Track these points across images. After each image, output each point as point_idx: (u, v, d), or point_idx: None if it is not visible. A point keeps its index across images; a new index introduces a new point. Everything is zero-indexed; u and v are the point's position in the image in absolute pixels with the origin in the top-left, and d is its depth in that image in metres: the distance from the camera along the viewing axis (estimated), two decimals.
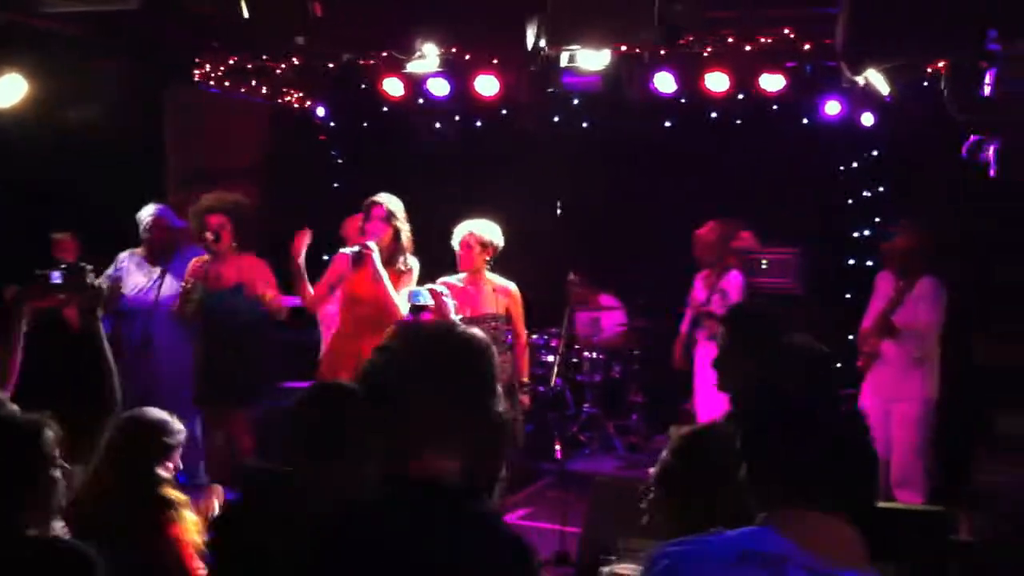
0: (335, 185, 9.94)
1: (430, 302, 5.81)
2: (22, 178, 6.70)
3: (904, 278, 6.52)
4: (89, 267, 3.18)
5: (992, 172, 5.64)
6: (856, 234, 8.69)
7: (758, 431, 2.15)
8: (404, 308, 5.94)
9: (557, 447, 7.81)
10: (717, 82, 7.35)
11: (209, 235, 6.24)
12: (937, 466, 6.54)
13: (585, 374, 8.76)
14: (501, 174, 8.95)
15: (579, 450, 8.52)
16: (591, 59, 7.09)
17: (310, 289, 6.08)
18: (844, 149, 8.71)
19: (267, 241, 6.63)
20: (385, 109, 8.71)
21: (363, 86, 8.26)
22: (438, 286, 5.91)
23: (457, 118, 9.22)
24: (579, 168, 9.00)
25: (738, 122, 8.65)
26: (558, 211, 9.80)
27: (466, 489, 2.14)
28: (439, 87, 7.88)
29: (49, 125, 6.99)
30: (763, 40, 7.04)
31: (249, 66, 8.08)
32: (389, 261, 6.08)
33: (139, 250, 6.71)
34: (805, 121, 8.20)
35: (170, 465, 3.45)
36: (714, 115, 8.51)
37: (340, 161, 10.11)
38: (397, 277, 6.07)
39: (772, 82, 7.27)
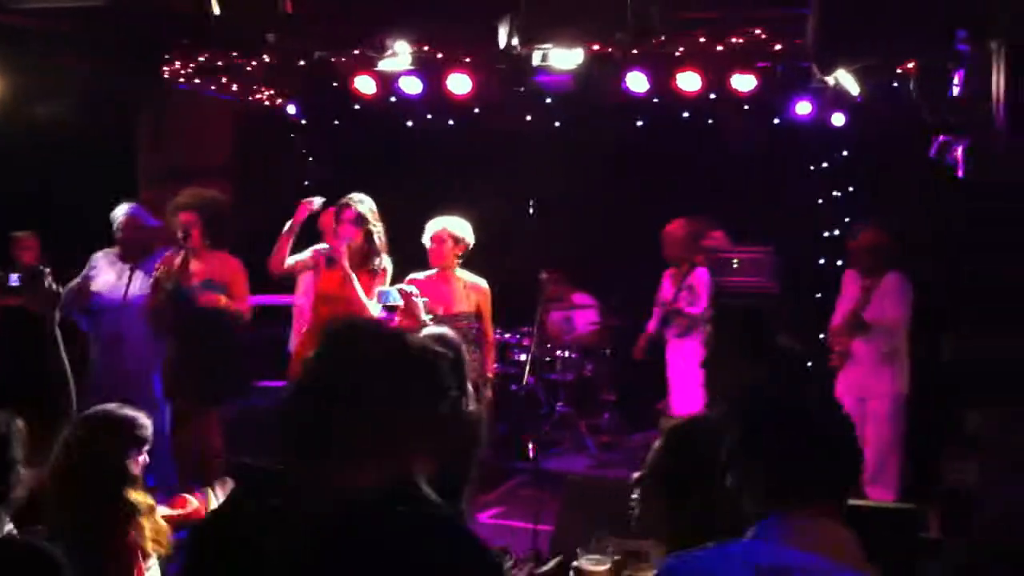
0: (306, 183, 9.89)
1: (400, 302, 5.80)
2: None
3: (869, 275, 6.58)
4: (47, 270, 3.14)
5: (960, 172, 5.69)
6: (826, 234, 8.75)
7: (753, 431, 2.15)
8: (375, 309, 5.93)
9: (530, 446, 7.81)
10: (689, 82, 7.37)
11: (179, 233, 6.21)
12: (907, 464, 6.61)
13: (558, 373, 8.77)
14: (473, 173, 8.95)
15: (552, 449, 8.52)
16: (564, 58, 7.08)
17: (286, 254, 6.05)
18: (815, 149, 8.77)
19: (239, 239, 6.59)
20: (357, 107, 8.67)
21: (335, 84, 8.23)
22: (408, 286, 5.90)
23: (429, 116, 9.20)
24: (551, 167, 9.00)
25: (710, 122, 8.68)
26: (530, 210, 9.81)
27: (426, 494, 2.14)
28: (411, 85, 7.86)
29: (18, 122, 6.91)
30: (735, 40, 7.07)
31: (220, 63, 8.02)
32: (363, 263, 6.07)
33: (113, 249, 6.66)
34: (776, 121, 8.25)
35: (140, 459, 3.42)
36: (686, 115, 8.54)
37: (311, 159, 10.07)
38: (371, 278, 6.06)
39: (744, 82, 7.31)
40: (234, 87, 8.35)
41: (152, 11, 6.96)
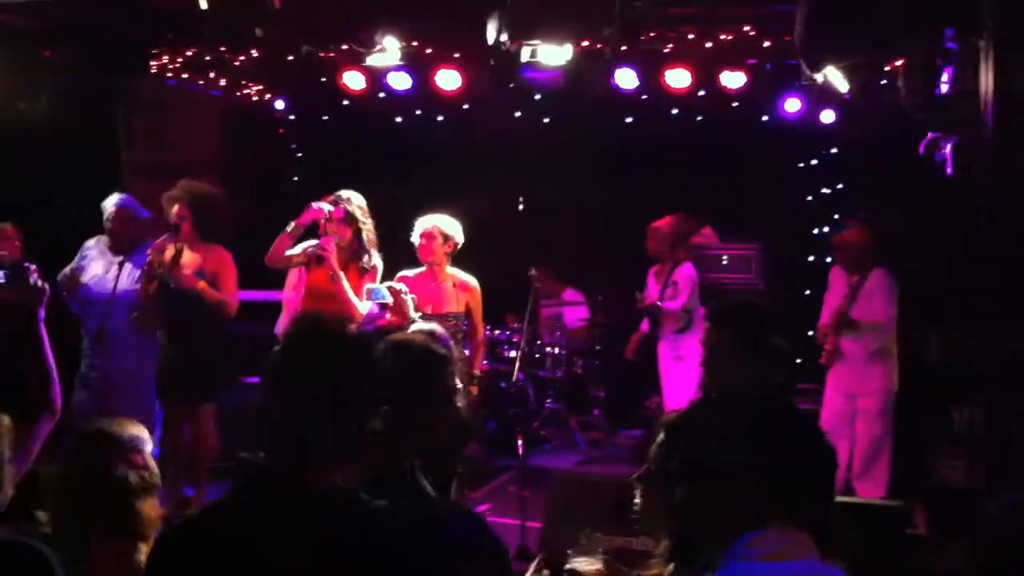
0: (294, 178, 9.87)
1: (389, 300, 5.79)
2: None
3: (855, 273, 6.60)
4: (32, 266, 3.12)
5: (948, 169, 5.70)
6: (815, 231, 8.76)
7: (764, 441, 2.12)
8: (364, 307, 5.93)
9: (519, 443, 7.80)
10: (678, 79, 7.37)
11: (170, 224, 6.21)
12: (894, 460, 6.63)
13: (547, 370, 8.76)
14: (462, 169, 8.94)
15: (541, 446, 8.52)
16: (552, 54, 7.08)
17: (283, 252, 6.01)
18: (804, 146, 8.78)
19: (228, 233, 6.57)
20: (345, 103, 8.65)
21: (323, 79, 8.20)
22: (397, 284, 5.89)
23: (418, 112, 9.18)
24: (540, 163, 8.99)
25: (699, 119, 8.68)
26: (520, 206, 9.80)
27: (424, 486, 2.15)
28: (400, 81, 7.84)
29: (2, 117, 6.87)
30: (724, 37, 7.08)
31: (207, 58, 7.99)
32: (352, 260, 6.06)
33: (105, 238, 6.64)
34: (765, 118, 8.25)
35: (141, 461, 3.40)
36: (675, 111, 8.53)
37: (300, 155, 10.04)
38: (361, 276, 6.05)
39: (733, 79, 7.31)
40: (222, 82, 8.33)
41: (139, 5, 6.93)
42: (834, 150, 8.72)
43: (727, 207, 8.49)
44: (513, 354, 7.98)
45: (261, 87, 8.73)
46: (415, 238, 6.25)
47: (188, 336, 6.22)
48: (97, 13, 6.99)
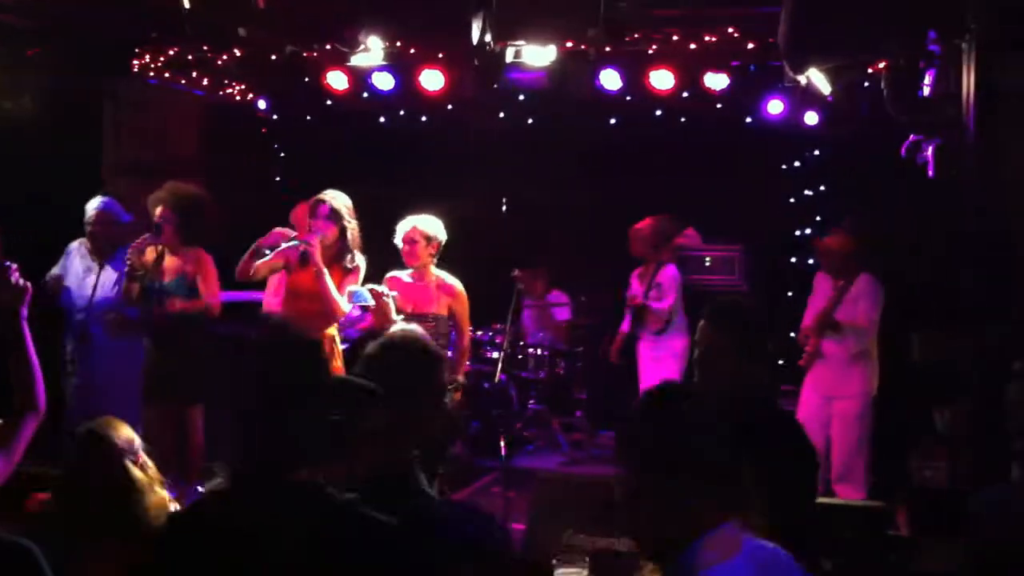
0: (277, 179, 9.84)
1: (371, 303, 5.77)
2: None
3: (840, 278, 6.62)
4: (13, 265, 3.09)
5: (930, 172, 5.73)
6: (798, 233, 8.79)
7: (756, 441, 2.13)
8: (346, 306, 5.90)
9: (502, 444, 7.79)
10: (662, 80, 7.37)
11: (153, 226, 6.17)
12: (875, 462, 6.64)
13: (530, 371, 8.75)
14: (446, 170, 8.92)
15: (524, 447, 8.51)
16: (537, 55, 7.08)
17: (251, 268, 5.99)
18: (786, 148, 8.80)
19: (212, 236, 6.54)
20: (329, 103, 8.61)
21: (306, 79, 8.16)
22: (379, 287, 5.87)
23: (402, 113, 9.16)
24: (524, 165, 8.98)
25: (683, 120, 8.70)
26: (503, 207, 9.79)
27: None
28: (384, 81, 7.81)
29: None
30: (708, 39, 7.08)
31: (190, 57, 7.95)
32: (336, 259, 6.03)
33: (87, 240, 6.61)
34: (749, 120, 8.26)
35: (140, 457, 3.40)
36: (659, 113, 8.54)
37: (283, 154, 10.01)
38: (343, 275, 6.02)
39: (716, 81, 7.32)
40: (204, 82, 8.28)
41: (123, 5, 6.89)
42: (817, 152, 8.75)
43: (710, 208, 8.51)
44: (496, 355, 7.97)
45: (244, 87, 8.69)
46: (398, 241, 6.23)
47: (173, 338, 6.18)
48: (80, 12, 6.96)
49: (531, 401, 8.78)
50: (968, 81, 4.98)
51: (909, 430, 6.64)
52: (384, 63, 7.56)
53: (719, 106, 7.95)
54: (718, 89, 7.37)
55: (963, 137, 5.11)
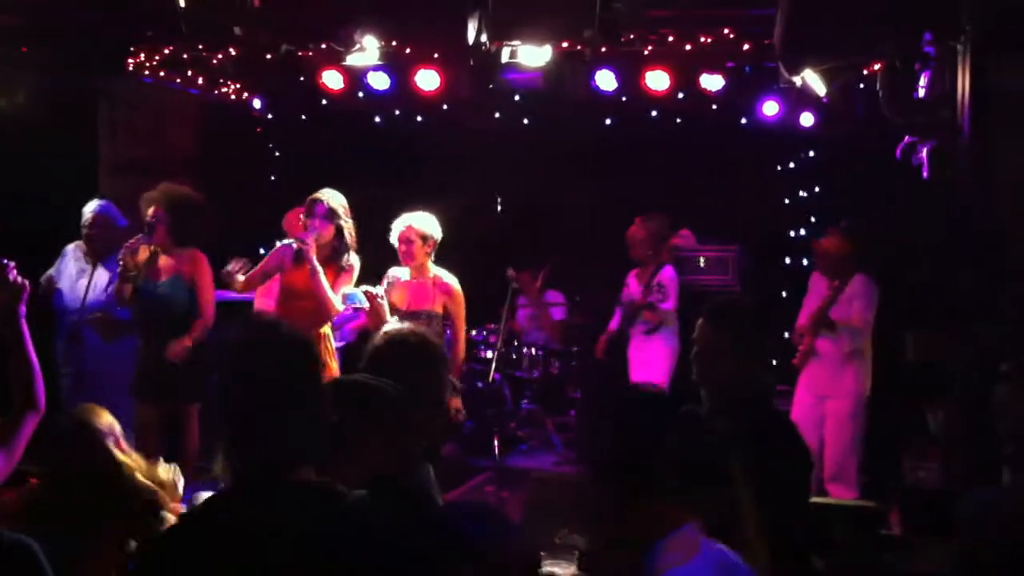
0: (272, 178, 9.82)
1: (365, 304, 5.77)
2: None
3: (836, 278, 6.63)
4: (11, 264, 3.09)
5: (925, 174, 5.74)
6: (792, 234, 8.80)
7: (757, 443, 2.13)
8: (339, 305, 5.90)
9: (495, 443, 7.79)
10: (658, 81, 7.38)
11: (145, 227, 6.16)
12: (868, 462, 6.66)
13: (524, 370, 8.75)
14: (442, 170, 8.91)
15: (517, 446, 8.51)
16: (533, 55, 7.08)
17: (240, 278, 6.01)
18: (782, 149, 8.81)
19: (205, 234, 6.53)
20: (324, 102, 8.61)
21: (302, 78, 8.15)
22: (373, 288, 5.87)
23: (397, 112, 9.15)
24: (520, 165, 8.98)
25: (678, 121, 8.70)
26: (498, 207, 9.79)
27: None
28: (379, 81, 7.80)
29: None
30: (703, 40, 7.08)
31: (185, 56, 7.93)
32: (331, 258, 6.04)
33: (81, 243, 6.60)
34: (744, 121, 8.27)
35: (122, 443, 3.41)
36: (654, 114, 8.55)
37: (277, 154, 9.99)
38: (338, 274, 6.02)
39: (712, 82, 7.32)
40: (199, 81, 8.27)
41: (119, 3, 6.88)
42: (812, 153, 8.76)
43: (705, 209, 8.52)
44: (489, 354, 7.97)
45: (239, 86, 8.68)
46: (393, 241, 6.23)
47: (164, 339, 6.16)
48: (75, 11, 6.95)
49: (525, 400, 8.78)
50: (963, 82, 4.99)
51: (902, 430, 6.65)
52: (380, 63, 7.55)
53: (715, 107, 7.96)
54: (714, 90, 7.37)
55: (958, 138, 5.12)
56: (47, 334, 6.21)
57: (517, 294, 8.34)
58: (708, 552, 2.02)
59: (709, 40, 7.07)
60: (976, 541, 2.87)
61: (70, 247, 6.56)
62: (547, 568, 3.19)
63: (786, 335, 6.98)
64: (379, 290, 5.85)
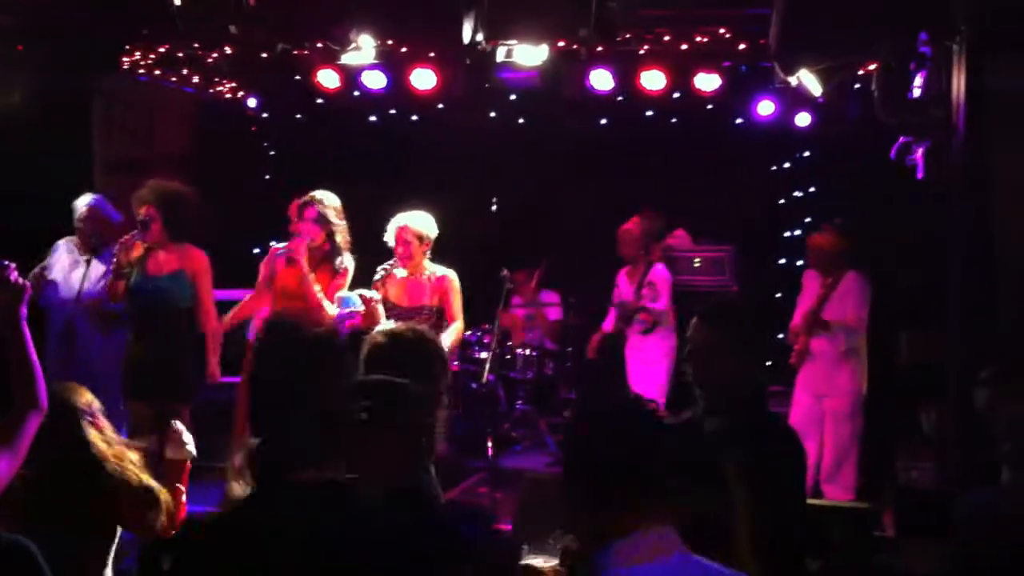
0: (267, 177, 9.81)
1: (361, 308, 5.77)
2: None
3: (828, 275, 6.63)
4: (12, 265, 3.09)
5: (920, 174, 5.74)
6: (787, 234, 8.80)
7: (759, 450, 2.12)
8: (332, 308, 5.90)
9: (489, 444, 7.78)
10: (653, 81, 7.38)
11: (138, 225, 6.14)
12: (862, 462, 6.65)
13: (518, 371, 8.74)
14: (437, 169, 8.90)
15: (511, 447, 8.50)
16: (528, 55, 7.08)
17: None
18: (777, 149, 8.81)
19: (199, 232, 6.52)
20: (320, 101, 8.60)
21: (297, 77, 8.14)
22: (368, 292, 5.87)
23: (393, 112, 9.14)
24: (515, 164, 8.97)
25: (673, 120, 8.70)
26: (493, 207, 9.78)
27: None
28: (375, 80, 7.79)
29: None
30: (699, 39, 7.09)
31: (180, 55, 7.92)
32: (324, 261, 6.03)
33: (74, 238, 6.58)
34: (739, 121, 8.27)
35: (100, 421, 3.41)
36: (650, 113, 8.55)
37: (272, 153, 9.98)
38: (332, 277, 6.02)
39: (708, 82, 7.32)
40: (194, 79, 8.25)
41: (113, 1, 6.87)
42: (807, 153, 8.76)
43: (700, 209, 8.52)
44: (483, 355, 7.96)
45: (234, 84, 8.66)
46: (389, 240, 6.21)
47: (159, 335, 6.15)
48: (70, 9, 6.93)
49: (519, 401, 8.77)
50: (958, 83, 4.99)
51: (896, 430, 6.65)
52: (375, 62, 7.55)
53: (710, 107, 7.97)
54: (709, 90, 7.38)
55: (952, 139, 5.12)
56: (38, 331, 6.17)
57: (512, 294, 8.33)
58: (668, 563, 2.01)
59: (705, 40, 7.07)
60: (973, 542, 2.87)
61: (62, 241, 6.54)
62: (527, 560, 3.19)
63: (780, 336, 6.98)
64: (374, 294, 5.85)
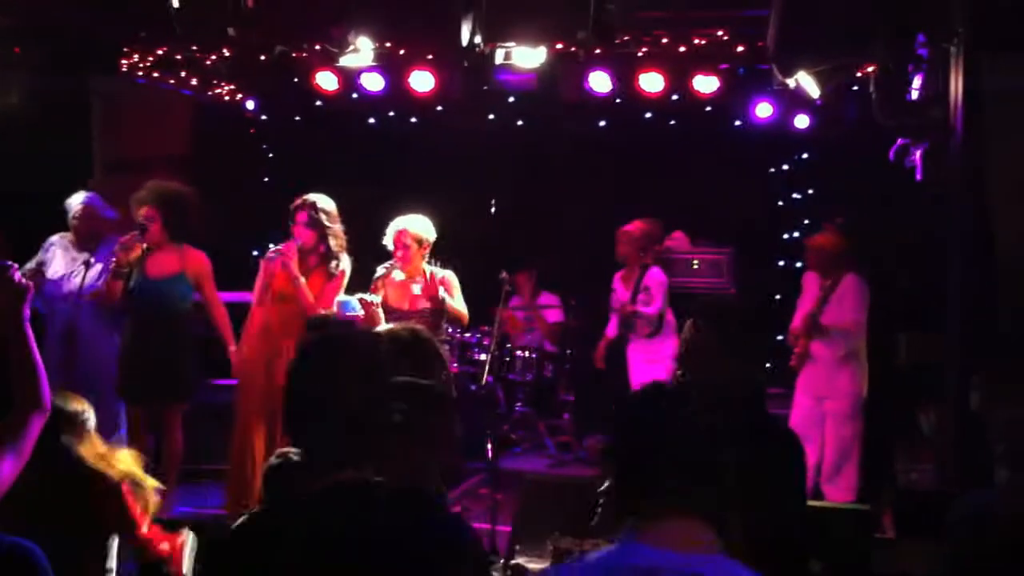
0: (265, 179, 9.81)
1: (360, 312, 5.77)
2: None
3: (827, 277, 6.63)
4: (15, 265, 3.09)
5: (918, 176, 5.74)
6: (786, 236, 8.80)
7: (736, 438, 2.12)
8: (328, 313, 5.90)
9: (488, 446, 7.78)
10: (652, 83, 7.38)
11: (138, 227, 6.14)
12: (862, 464, 6.65)
13: (517, 373, 8.73)
14: (435, 171, 8.90)
15: (510, 449, 8.49)
16: (527, 57, 7.07)
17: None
18: (775, 151, 8.82)
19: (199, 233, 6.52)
20: (318, 103, 8.60)
21: (295, 79, 8.14)
22: (367, 295, 5.87)
23: (391, 114, 9.14)
24: (514, 166, 8.97)
25: (672, 123, 8.70)
26: (492, 209, 9.78)
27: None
28: (373, 82, 7.79)
29: None
30: (697, 42, 7.08)
31: (178, 57, 7.92)
32: (319, 264, 6.04)
33: (68, 234, 6.56)
34: (738, 123, 8.27)
35: (89, 434, 3.41)
36: (648, 115, 8.55)
37: (271, 155, 9.97)
38: (327, 280, 6.02)
39: (706, 84, 7.33)
40: (193, 81, 8.25)
41: (111, 3, 6.86)
42: (805, 155, 8.76)
43: (699, 211, 8.52)
44: (483, 357, 7.96)
45: (232, 87, 8.66)
46: (388, 243, 6.22)
47: (158, 336, 6.15)
48: (69, 11, 6.93)
49: (518, 403, 8.77)
50: (956, 84, 4.99)
51: (895, 432, 6.65)
52: (373, 64, 7.55)
53: (708, 109, 7.97)
54: (707, 92, 7.38)
55: (950, 140, 5.12)
56: (38, 331, 6.16)
57: (510, 296, 8.33)
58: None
59: (703, 42, 7.07)
60: (969, 543, 2.87)
61: (55, 238, 6.52)
62: (516, 560, 3.19)
63: (780, 338, 6.98)
64: (374, 298, 5.86)
